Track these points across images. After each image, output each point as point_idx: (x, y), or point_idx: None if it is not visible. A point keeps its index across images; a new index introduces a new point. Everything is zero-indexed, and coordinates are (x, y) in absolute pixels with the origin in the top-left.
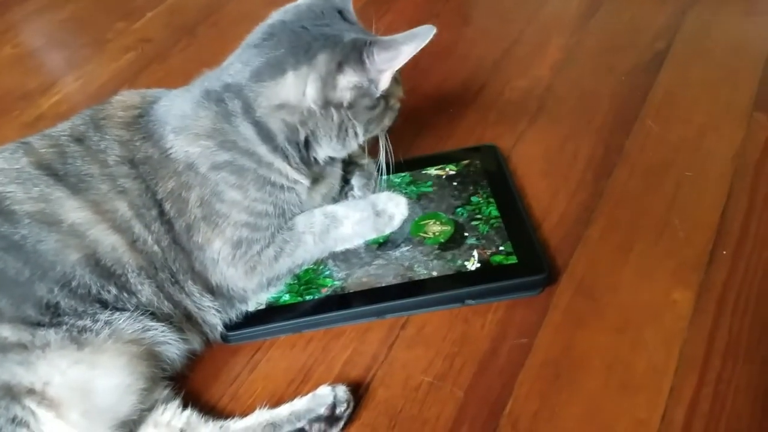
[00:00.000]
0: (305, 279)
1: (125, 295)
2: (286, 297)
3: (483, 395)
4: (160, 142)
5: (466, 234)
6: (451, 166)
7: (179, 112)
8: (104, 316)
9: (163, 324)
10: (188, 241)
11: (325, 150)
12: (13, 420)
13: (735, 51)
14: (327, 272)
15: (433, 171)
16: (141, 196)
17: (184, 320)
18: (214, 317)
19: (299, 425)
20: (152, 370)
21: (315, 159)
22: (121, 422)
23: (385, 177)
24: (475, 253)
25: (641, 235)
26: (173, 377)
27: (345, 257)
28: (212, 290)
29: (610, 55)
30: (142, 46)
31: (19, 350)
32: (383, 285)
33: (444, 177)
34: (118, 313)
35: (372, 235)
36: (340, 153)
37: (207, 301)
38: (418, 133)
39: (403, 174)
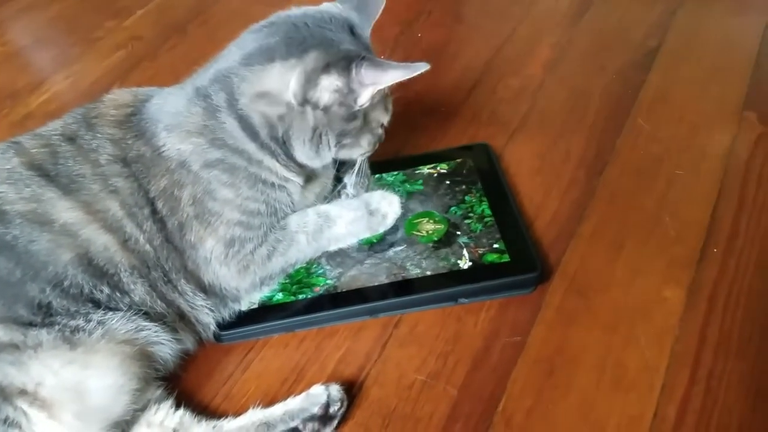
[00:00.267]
0: (298, 278)
1: (118, 294)
2: (279, 296)
3: (476, 393)
4: (153, 140)
5: (458, 233)
6: (444, 165)
7: (172, 109)
8: (97, 315)
9: (156, 324)
10: (181, 239)
11: (298, 153)
12: (5, 421)
13: (725, 50)
14: (320, 271)
15: (425, 170)
16: (133, 195)
17: (177, 319)
18: (207, 316)
19: (293, 424)
20: (145, 370)
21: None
22: (113, 422)
23: (377, 175)
24: (467, 251)
25: (633, 233)
26: (166, 377)
27: (338, 256)
28: (205, 289)
29: (601, 53)
30: (131, 45)
31: (11, 350)
32: (376, 284)
33: (436, 176)
34: (111, 312)
35: (365, 234)
36: (313, 161)
37: (200, 300)
38: (411, 131)
39: (395, 173)
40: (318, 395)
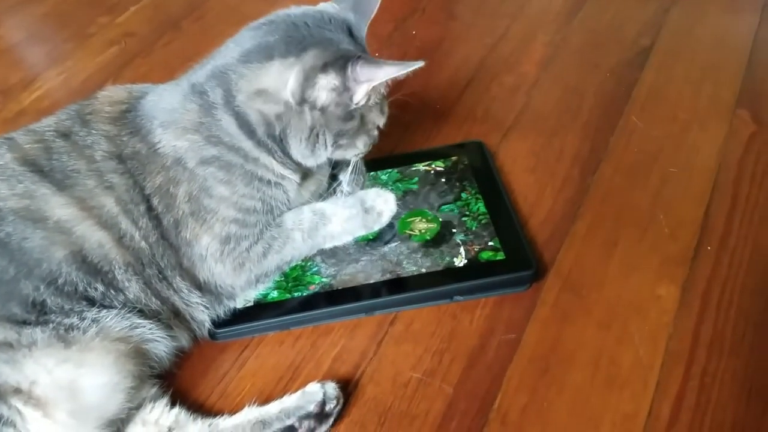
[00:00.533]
0: (293, 276)
1: (112, 292)
2: (274, 294)
3: (472, 390)
4: (148, 136)
5: (453, 230)
6: (439, 163)
7: (167, 105)
8: (91, 313)
9: (151, 321)
10: (176, 236)
11: (294, 152)
12: None
13: (718, 48)
14: (315, 269)
15: (420, 167)
16: (128, 192)
17: (172, 317)
18: (202, 314)
19: (289, 422)
20: (140, 368)
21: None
22: (108, 421)
23: (372, 173)
24: (462, 249)
25: (627, 231)
26: (161, 375)
27: (333, 254)
28: (200, 286)
29: (595, 51)
30: (125, 41)
31: (5, 349)
32: (371, 282)
33: (431, 173)
34: (105, 310)
35: (361, 232)
36: (308, 160)
37: (195, 298)
38: (405, 129)
39: (390, 170)
40: (314, 393)
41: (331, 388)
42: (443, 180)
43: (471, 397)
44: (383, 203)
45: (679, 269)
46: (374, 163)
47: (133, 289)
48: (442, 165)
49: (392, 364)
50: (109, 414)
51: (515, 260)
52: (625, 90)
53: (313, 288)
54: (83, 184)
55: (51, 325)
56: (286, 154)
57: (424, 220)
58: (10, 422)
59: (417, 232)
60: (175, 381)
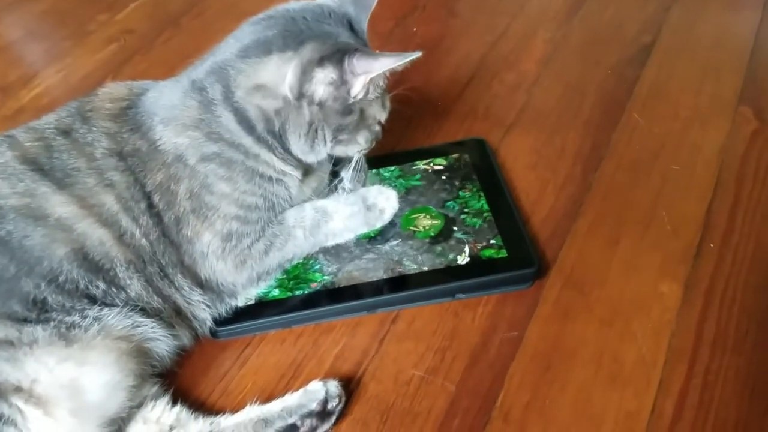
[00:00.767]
0: (295, 274)
1: (114, 290)
2: (276, 292)
3: (474, 388)
4: (149, 133)
5: (455, 228)
6: (440, 160)
7: (168, 102)
8: (93, 312)
9: (153, 320)
10: (177, 234)
11: (293, 148)
12: (0, 418)
13: (719, 45)
14: (317, 267)
15: (421, 165)
16: (129, 189)
17: (173, 315)
18: (203, 312)
19: (291, 421)
20: (141, 366)
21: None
22: (109, 420)
23: (374, 171)
24: (465, 247)
25: (629, 229)
26: (162, 373)
27: (335, 252)
28: (202, 284)
29: (596, 48)
30: (124, 38)
31: (6, 347)
32: (373, 279)
33: (433, 171)
34: (107, 308)
35: (363, 230)
36: (308, 156)
37: (196, 296)
38: (407, 126)
39: (391, 168)
40: (316, 391)
41: (333, 386)
42: (445, 177)
43: (473, 394)
44: (385, 200)
45: (682, 266)
46: (376, 160)
47: (135, 287)
48: (444, 162)
49: (394, 362)
50: (111, 413)
51: (517, 258)
52: (626, 87)
53: (314, 286)
54: (83, 182)
55: (52, 323)
56: (287, 150)
57: (427, 216)
58: (11, 421)
59: (421, 229)
60: (177, 379)
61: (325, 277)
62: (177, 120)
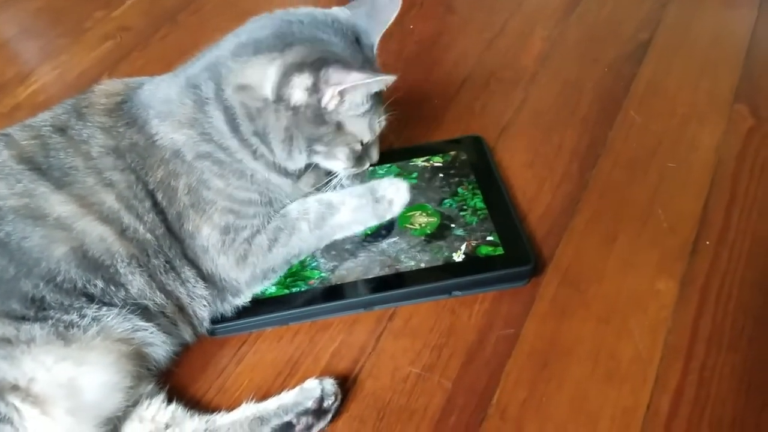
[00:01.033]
0: (292, 271)
1: (112, 288)
2: (273, 289)
3: (471, 385)
4: (145, 127)
5: (452, 225)
6: (437, 158)
7: (163, 96)
8: (91, 311)
9: (152, 324)
10: (180, 229)
11: (275, 152)
12: None
13: (716, 43)
14: (313, 264)
15: (419, 162)
16: (131, 188)
17: (176, 311)
18: (203, 309)
19: (287, 419)
20: (139, 368)
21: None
22: (106, 419)
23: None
24: (461, 244)
25: (625, 226)
26: (158, 372)
27: (332, 249)
28: (205, 278)
29: (593, 46)
30: (120, 35)
31: (3, 345)
32: (370, 277)
33: (430, 168)
34: (105, 308)
35: (372, 222)
36: (287, 162)
37: (200, 289)
38: (404, 124)
39: (389, 165)
40: (312, 389)
41: (329, 384)
42: (442, 175)
43: (470, 391)
44: (395, 192)
45: (678, 264)
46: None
47: (137, 282)
48: (441, 160)
49: (391, 359)
50: (107, 412)
51: (514, 255)
52: (623, 85)
53: (311, 283)
54: (82, 181)
55: (50, 322)
56: (272, 154)
57: (424, 214)
58: (7, 419)
59: (417, 226)
60: (173, 377)
61: (322, 275)
62: (173, 116)
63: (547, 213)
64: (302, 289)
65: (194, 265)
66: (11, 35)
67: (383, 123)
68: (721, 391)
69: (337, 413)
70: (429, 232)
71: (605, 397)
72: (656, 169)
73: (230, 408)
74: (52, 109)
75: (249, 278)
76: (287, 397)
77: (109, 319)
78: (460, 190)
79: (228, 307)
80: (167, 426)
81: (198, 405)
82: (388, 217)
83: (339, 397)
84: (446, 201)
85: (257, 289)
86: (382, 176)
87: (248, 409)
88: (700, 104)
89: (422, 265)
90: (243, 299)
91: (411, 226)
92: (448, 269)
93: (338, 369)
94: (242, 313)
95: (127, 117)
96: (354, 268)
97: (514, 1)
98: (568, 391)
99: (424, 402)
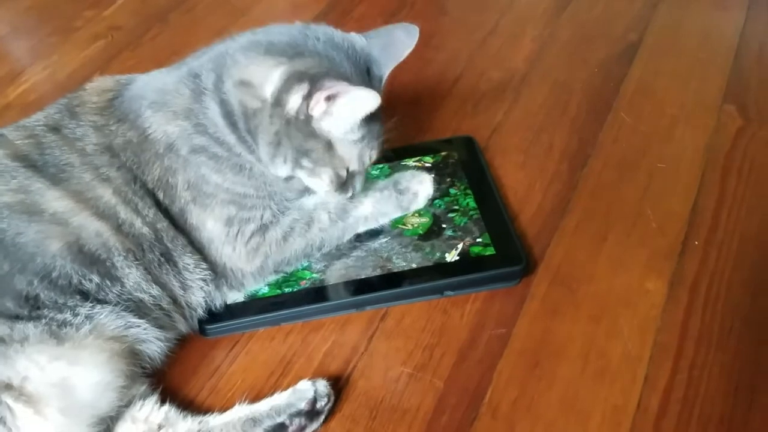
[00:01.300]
0: None
1: (108, 282)
2: (265, 289)
3: (463, 385)
4: (137, 121)
5: (444, 225)
6: (429, 158)
7: (159, 85)
8: (85, 309)
9: (146, 320)
10: (185, 224)
11: (260, 151)
12: None
13: (705, 44)
14: (305, 264)
15: (411, 162)
16: (128, 185)
17: (171, 302)
18: (198, 296)
19: (279, 420)
20: (132, 367)
21: None
22: (99, 419)
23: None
24: (453, 244)
25: (615, 226)
26: (152, 372)
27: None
28: (209, 265)
29: (583, 46)
30: (112, 34)
31: None
32: (362, 277)
33: (422, 168)
34: (99, 306)
35: (396, 214)
36: (270, 165)
37: (198, 276)
38: (396, 124)
39: (381, 165)
40: (305, 390)
41: (322, 385)
42: (433, 175)
43: (462, 391)
44: (418, 183)
45: (667, 263)
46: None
47: (133, 276)
48: (432, 160)
49: (383, 359)
50: (101, 412)
51: (505, 255)
52: (613, 85)
53: (303, 283)
54: (78, 177)
55: (44, 321)
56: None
57: (416, 214)
58: (0, 419)
59: (409, 227)
60: (166, 377)
61: (314, 275)
62: (167, 106)
63: (538, 213)
64: (294, 290)
65: (200, 253)
66: (1, 35)
67: (373, 157)
68: (709, 389)
69: (330, 414)
70: (421, 232)
71: (595, 396)
72: (645, 170)
73: (223, 409)
74: (44, 109)
75: (257, 269)
76: (280, 398)
77: (102, 316)
78: (451, 190)
79: (222, 297)
80: (160, 427)
81: (191, 406)
82: (413, 208)
83: (332, 398)
84: (437, 201)
85: (263, 281)
86: (375, 177)
87: (241, 410)
88: (689, 105)
89: (414, 266)
90: (242, 292)
91: (403, 226)
92: (440, 269)
93: (331, 369)
94: (234, 313)
95: (118, 113)
96: (346, 269)
97: (506, 2)
98: (558, 390)
99: (416, 401)
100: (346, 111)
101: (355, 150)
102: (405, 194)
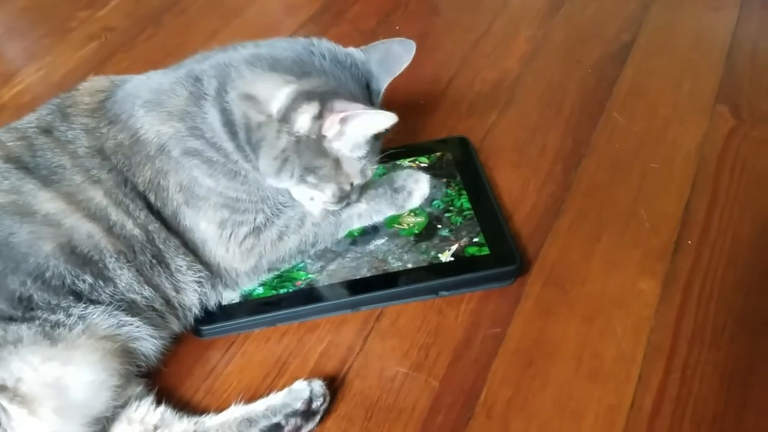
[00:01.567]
0: (279, 272)
1: (101, 283)
2: (260, 290)
3: (458, 384)
4: (129, 121)
5: (439, 226)
6: (424, 158)
7: (155, 85)
8: (78, 310)
9: (138, 318)
10: (178, 226)
11: (261, 163)
12: None
13: (698, 44)
14: (301, 265)
15: (405, 163)
16: (119, 187)
17: (164, 303)
18: (193, 296)
19: (275, 420)
20: (126, 366)
21: None
22: (94, 419)
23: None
24: (448, 244)
25: (609, 226)
26: (147, 372)
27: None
28: (202, 266)
29: (576, 47)
30: (105, 35)
31: None
32: (358, 277)
33: (417, 169)
34: (92, 306)
35: (390, 212)
36: (271, 178)
37: (191, 277)
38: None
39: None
40: (301, 390)
41: (318, 385)
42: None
43: (457, 390)
44: (414, 183)
45: (661, 263)
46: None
47: (125, 277)
48: (427, 160)
49: (379, 359)
50: (95, 412)
51: (499, 255)
52: (606, 86)
53: (299, 284)
54: (70, 179)
55: (37, 322)
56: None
57: (412, 214)
58: None
59: (405, 227)
60: (161, 378)
61: (310, 276)
62: (162, 106)
63: (531, 213)
64: (290, 290)
65: (194, 254)
66: None
67: (373, 171)
68: (702, 388)
69: (326, 414)
70: (417, 232)
71: (589, 396)
72: (639, 170)
73: (219, 409)
74: (36, 110)
75: (252, 269)
76: (276, 399)
77: (94, 316)
78: (446, 190)
79: (216, 296)
80: (156, 428)
81: (187, 406)
82: (407, 207)
83: (328, 398)
84: (433, 201)
85: (258, 281)
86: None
87: (237, 411)
88: (681, 105)
89: (409, 266)
90: (238, 292)
91: (399, 227)
92: (435, 269)
93: (326, 369)
94: (229, 314)
95: (110, 115)
96: (341, 269)
97: (499, 2)
98: (552, 390)
99: (411, 401)
100: (359, 131)
101: (359, 165)
102: (400, 192)
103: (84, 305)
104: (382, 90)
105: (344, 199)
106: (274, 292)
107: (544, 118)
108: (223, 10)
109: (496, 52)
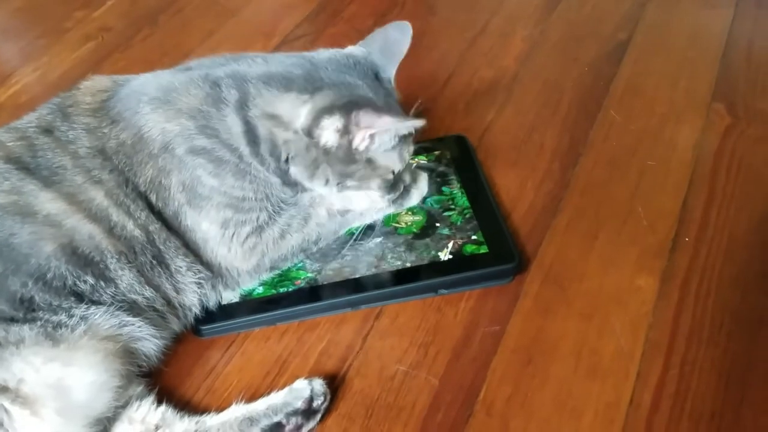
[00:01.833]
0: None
1: (102, 284)
2: (260, 290)
3: (457, 382)
4: (133, 119)
5: (437, 224)
6: (422, 157)
7: (164, 83)
8: (79, 310)
9: (140, 318)
10: (179, 226)
11: (293, 170)
12: None
13: (694, 42)
14: (300, 264)
15: None
16: (120, 187)
17: (165, 304)
18: (193, 297)
19: (276, 419)
20: (128, 367)
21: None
22: (96, 419)
23: None
24: (447, 243)
25: (606, 224)
26: (148, 372)
27: (318, 249)
28: (203, 266)
29: (573, 45)
30: (102, 36)
31: None
32: (357, 276)
33: (416, 168)
34: (93, 307)
35: (389, 210)
36: (305, 182)
37: (191, 278)
38: None
39: None
40: (301, 389)
41: (319, 384)
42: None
43: (456, 388)
44: (413, 181)
45: (658, 260)
46: None
47: (126, 277)
48: (426, 159)
49: (378, 357)
50: (97, 412)
51: (498, 253)
52: (603, 84)
53: (298, 283)
54: (71, 180)
55: (39, 323)
56: (282, 177)
57: (410, 212)
58: None
59: (403, 225)
60: (162, 378)
61: (309, 275)
62: (171, 104)
63: (529, 211)
64: (289, 290)
65: (195, 254)
66: None
67: (412, 150)
68: (701, 385)
69: (326, 412)
70: (415, 230)
71: (588, 393)
72: (636, 168)
73: (220, 408)
74: (37, 110)
75: (254, 268)
76: (276, 398)
77: (96, 317)
78: (445, 189)
79: (217, 296)
80: (157, 427)
81: (187, 406)
82: (407, 205)
83: (328, 397)
84: (432, 200)
85: (260, 280)
86: None
87: (238, 410)
88: (678, 103)
89: (408, 264)
90: (238, 292)
91: (397, 225)
92: (434, 268)
93: (326, 368)
94: (229, 313)
95: (112, 114)
96: (341, 268)
97: (495, 1)
98: (552, 387)
99: (411, 399)
100: (388, 137)
101: (394, 154)
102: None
103: (85, 306)
104: (392, 76)
105: (396, 185)
106: (273, 291)
107: (541, 117)
108: (219, 10)
109: (493, 51)
